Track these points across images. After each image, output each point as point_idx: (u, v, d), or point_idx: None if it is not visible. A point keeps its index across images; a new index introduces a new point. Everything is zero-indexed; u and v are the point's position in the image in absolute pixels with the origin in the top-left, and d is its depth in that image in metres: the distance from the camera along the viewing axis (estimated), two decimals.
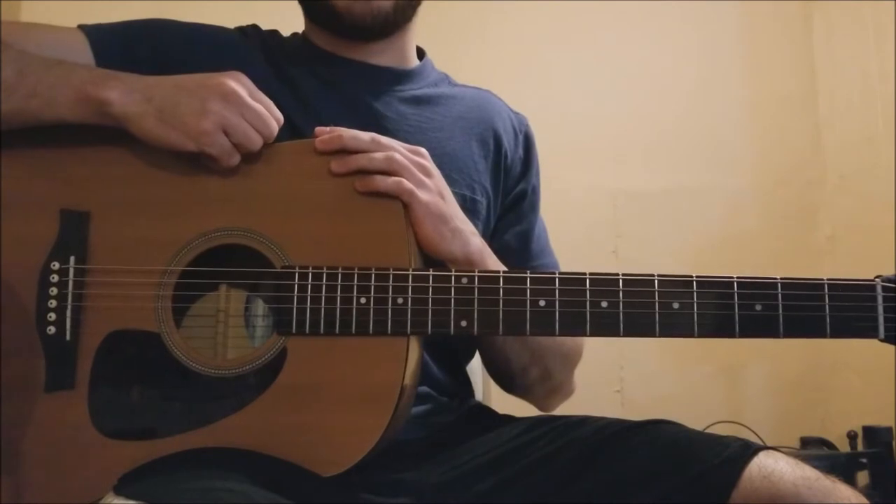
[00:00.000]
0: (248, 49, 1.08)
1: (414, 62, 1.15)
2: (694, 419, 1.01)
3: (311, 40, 1.12)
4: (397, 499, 0.92)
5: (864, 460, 2.10)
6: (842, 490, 0.82)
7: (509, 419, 1.05)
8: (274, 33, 1.14)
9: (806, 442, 2.29)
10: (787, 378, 2.43)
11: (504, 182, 1.14)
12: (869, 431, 2.14)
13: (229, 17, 1.16)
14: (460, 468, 0.95)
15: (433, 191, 0.92)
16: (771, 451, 0.86)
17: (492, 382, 1.41)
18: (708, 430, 0.93)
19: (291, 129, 1.00)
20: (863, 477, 2.10)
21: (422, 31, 1.18)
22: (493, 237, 1.12)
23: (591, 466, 0.91)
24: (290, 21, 1.15)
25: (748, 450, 0.85)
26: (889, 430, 2.12)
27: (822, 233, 2.47)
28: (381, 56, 1.11)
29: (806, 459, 0.87)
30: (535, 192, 1.18)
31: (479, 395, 1.29)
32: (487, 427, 1.02)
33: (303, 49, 1.12)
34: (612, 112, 2.43)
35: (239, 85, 0.89)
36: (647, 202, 2.37)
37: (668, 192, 2.39)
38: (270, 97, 1.02)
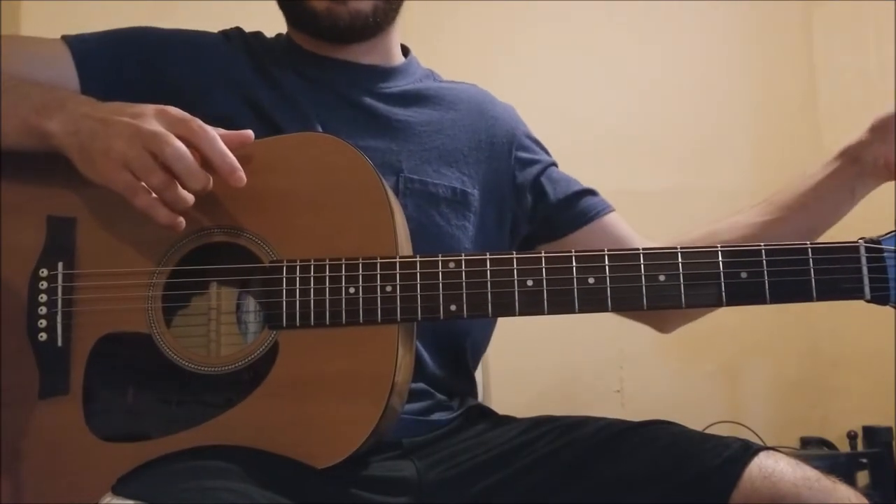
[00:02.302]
0: (232, 52, 1.08)
1: (399, 60, 1.16)
2: (694, 419, 1.01)
3: (295, 41, 1.13)
4: (396, 497, 0.92)
5: (864, 460, 2.10)
6: (842, 490, 0.82)
7: (509, 419, 1.04)
8: (258, 35, 1.14)
9: (806, 442, 2.29)
10: (787, 378, 2.43)
11: (513, 154, 1.14)
12: (869, 431, 2.14)
13: (220, 18, 1.16)
14: (459, 467, 0.95)
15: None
16: (771, 452, 0.86)
17: (492, 382, 1.41)
18: (708, 430, 0.93)
19: (275, 129, 1.00)
20: (863, 477, 2.10)
21: (418, 26, 1.18)
22: (542, 205, 1.14)
23: (592, 467, 0.91)
24: (279, 22, 1.15)
25: (748, 450, 0.85)
26: (889, 430, 2.12)
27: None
28: (365, 55, 1.11)
29: (806, 459, 0.87)
30: (554, 165, 1.19)
31: (479, 395, 1.29)
32: (487, 427, 1.02)
33: (287, 49, 1.12)
34: (611, 112, 2.43)
35: (154, 120, 0.82)
36: (647, 202, 2.37)
37: (668, 192, 2.39)
38: (255, 98, 1.03)
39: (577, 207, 1.14)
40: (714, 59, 2.53)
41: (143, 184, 0.82)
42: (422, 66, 1.19)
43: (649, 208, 2.38)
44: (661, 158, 2.43)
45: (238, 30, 1.13)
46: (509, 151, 1.15)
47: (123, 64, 1.02)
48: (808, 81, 2.55)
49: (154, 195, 0.83)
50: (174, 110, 0.84)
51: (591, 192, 1.17)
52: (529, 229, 1.15)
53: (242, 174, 0.84)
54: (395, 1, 1.09)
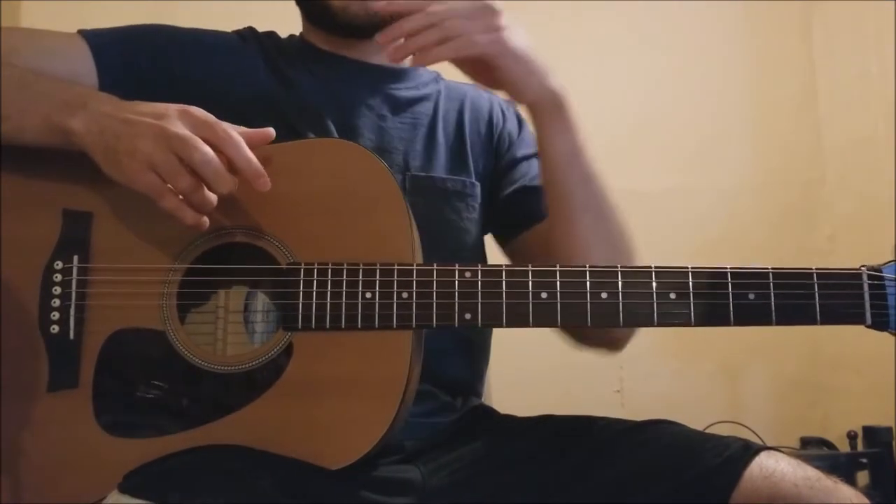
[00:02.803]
0: (246, 52, 1.09)
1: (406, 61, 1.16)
2: (694, 419, 1.02)
3: (309, 40, 1.13)
4: (400, 498, 0.92)
5: (864, 460, 2.09)
6: (843, 490, 0.83)
7: (510, 419, 1.05)
8: (271, 35, 1.14)
9: (806, 442, 2.29)
10: (787, 378, 2.43)
11: (497, 149, 1.16)
12: (869, 431, 2.14)
13: (221, 19, 1.16)
14: (463, 468, 0.95)
15: (495, 29, 0.94)
16: (772, 452, 0.86)
17: (492, 382, 1.41)
18: (708, 430, 0.94)
19: (290, 130, 1.00)
20: (863, 477, 2.10)
21: None
22: (496, 201, 1.13)
23: (592, 467, 0.91)
24: (288, 22, 1.15)
25: (749, 450, 0.86)
26: (889, 430, 2.12)
27: (822, 233, 2.46)
28: (375, 55, 1.12)
29: (806, 459, 0.87)
30: (533, 163, 1.18)
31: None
32: (489, 427, 1.02)
33: (301, 49, 1.13)
34: (612, 112, 2.42)
35: (179, 122, 0.82)
36: (647, 202, 2.37)
37: (668, 192, 2.39)
38: (269, 98, 1.03)
39: (529, 198, 1.13)
40: (714, 59, 2.53)
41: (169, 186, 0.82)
42: (427, 68, 1.19)
43: (649, 208, 2.39)
44: (661, 158, 2.43)
45: (251, 30, 1.13)
46: (499, 145, 1.16)
47: (137, 60, 1.02)
48: (808, 81, 2.55)
49: (180, 197, 0.83)
50: (198, 111, 0.84)
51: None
52: (504, 218, 1.15)
53: (267, 179, 0.84)
54: None
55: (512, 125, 1.20)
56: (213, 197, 0.83)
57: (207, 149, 0.81)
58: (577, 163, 1.02)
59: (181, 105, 0.84)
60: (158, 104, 0.85)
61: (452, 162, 1.10)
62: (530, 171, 1.17)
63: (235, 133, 0.83)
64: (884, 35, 2.33)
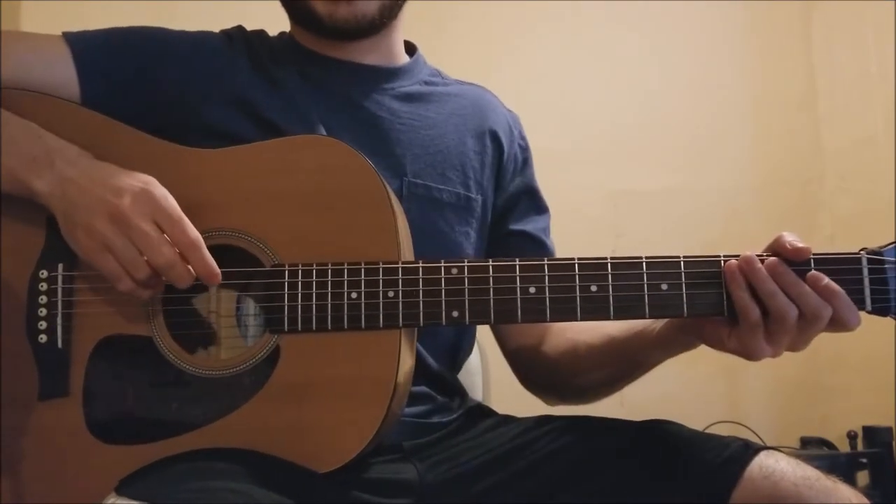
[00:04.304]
0: (233, 54, 1.06)
1: (402, 59, 1.14)
2: (694, 419, 1.01)
3: (297, 39, 1.11)
4: (397, 499, 0.92)
5: (864, 460, 2.09)
6: (842, 490, 0.83)
7: (510, 419, 1.04)
8: (260, 33, 1.12)
9: (806, 442, 2.29)
10: (787, 378, 2.43)
11: (502, 178, 1.13)
12: (869, 431, 2.14)
13: (221, 19, 1.16)
14: (460, 468, 0.95)
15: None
16: (772, 452, 0.86)
17: (492, 382, 1.41)
18: (708, 430, 0.94)
19: (276, 132, 0.99)
20: (863, 477, 2.10)
21: (420, 27, 1.17)
22: (497, 237, 1.12)
23: (592, 467, 0.91)
24: (280, 22, 1.15)
25: (749, 450, 0.86)
26: (889, 430, 2.12)
27: (822, 233, 2.46)
28: (367, 55, 1.09)
29: (806, 459, 0.87)
30: (537, 193, 1.17)
31: (479, 395, 1.29)
32: (488, 427, 1.02)
33: (289, 49, 1.10)
34: (612, 112, 2.43)
35: (138, 205, 0.81)
36: (647, 202, 2.37)
37: (668, 192, 2.39)
38: (254, 103, 1.01)
39: (530, 246, 1.12)
40: (714, 59, 2.53)
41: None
42: (428, 65, 1.17)
43: (649, 208, 2.39)
44: (661, 158, 2.43)
45: (240, 29, 1.11)
46: (508, 160, 1.14)
47: (122, 65, 1.01)
48: (808, 81, 2.55)
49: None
50: (159, 195, 0.82)
51: (540, 243, 1.14)
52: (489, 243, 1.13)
53: (220, 277, 0.83)
54: None
55: (520, 142, 1.17)
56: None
57: (170, 252, 0.81)
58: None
59: (143, 182, 0.83)
60: (123, 175, 0.84)
61: (451, 171, 1.06)
62: (540, 221, 1.15)
63: (194, 232, 0.82)
64: (884, 35, 2.33)
